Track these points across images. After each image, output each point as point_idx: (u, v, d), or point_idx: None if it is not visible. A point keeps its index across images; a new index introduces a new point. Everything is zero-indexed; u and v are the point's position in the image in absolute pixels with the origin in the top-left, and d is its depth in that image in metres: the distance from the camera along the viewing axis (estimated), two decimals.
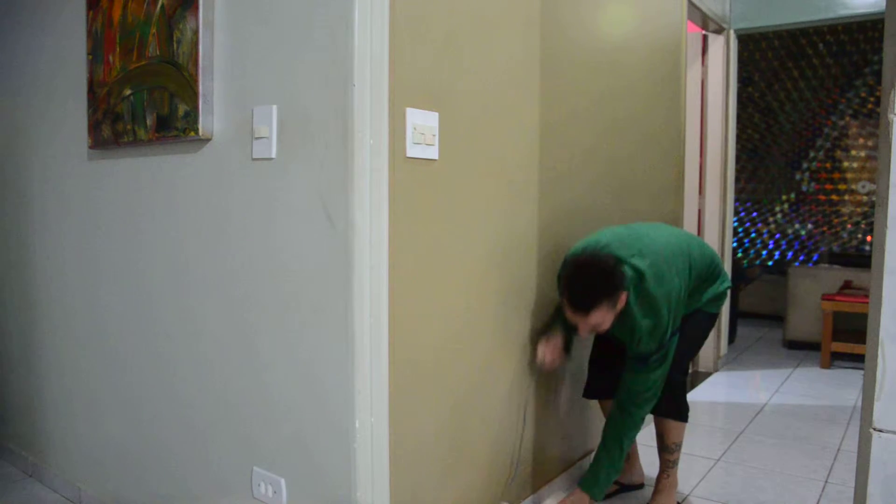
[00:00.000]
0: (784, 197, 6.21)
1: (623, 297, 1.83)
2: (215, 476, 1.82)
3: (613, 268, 1.81)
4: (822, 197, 6.03)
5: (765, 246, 6.32)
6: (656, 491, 2.21)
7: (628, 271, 1.86)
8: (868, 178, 5.83)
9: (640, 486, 2.38)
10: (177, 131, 1.75)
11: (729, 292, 2.18)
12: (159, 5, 1.76)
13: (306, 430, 1.60)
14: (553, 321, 2.11)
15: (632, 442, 2.05)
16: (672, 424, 2.12)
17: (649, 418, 2.12)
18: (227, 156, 1.69)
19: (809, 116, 6.04)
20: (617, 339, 2.01)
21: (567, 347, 2.09)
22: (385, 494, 1.57)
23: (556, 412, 2.31)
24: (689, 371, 2.19)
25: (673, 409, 2.10)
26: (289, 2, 1.55)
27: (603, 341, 2.22)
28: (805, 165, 6.09)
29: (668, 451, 2.16)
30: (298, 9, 1.53)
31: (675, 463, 2.19)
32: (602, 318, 1.81)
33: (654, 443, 2.41)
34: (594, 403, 2.49)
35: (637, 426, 1.99)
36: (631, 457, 2.36)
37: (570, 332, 2.05)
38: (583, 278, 1.81)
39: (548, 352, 2.04)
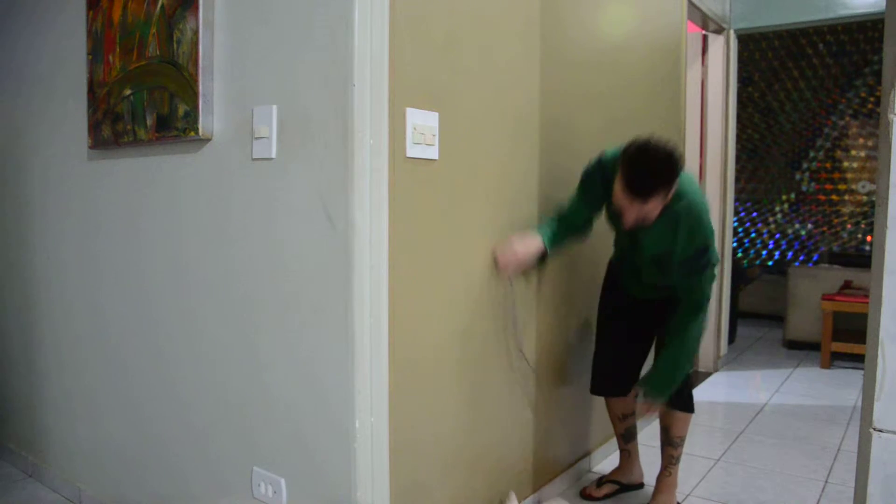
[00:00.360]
0: (784, 197, 6.21)
1: (674, 189, 1.80)
2: (215, 476, 1.82)
3: (677, 156, 1.77)
4: (822, 197, 6.03)
5: (765, 246, 6.32)
6: (658, 490, 2.21)
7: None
8: (868, 178, 5.83)
9: (640, 486, 2.38)
10: (177, 131, 1.75)
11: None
12: (159, 5, 1.76)
13: (306, 430, 1.60)
14: (544, 229, 2.00)
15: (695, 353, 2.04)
16: (679, 416, 2.14)
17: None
18: (227, 156, 1.69)
19: (809, 116, 6.04)
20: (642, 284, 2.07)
21: (541, 259, 1.98)
22: (385, 494, 1.57)
23: (557, 412, 2.31)
24: (692, 369, 2.18)
25: (680, 400, 2.11)
26: (289, 2, 1.55)
27: (611, 334, 2.23)
28: (805, 165, 6.09)
29: (672, 445, 2.17)
30: (298, 9, 1.53)
31: (678, 459, 2.20)
32: (655, 207, 1.78)
33: (652, 442, 2.41)
34: (597, 403, 2.48)
35: (699, 342, 1.98)
36: (631, 456, 2.36)
37: (553, 246, 1.99)
38: (649, 162, 1.74)
39: (518, 248, 1.90)
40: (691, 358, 2.01)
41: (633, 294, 2.16)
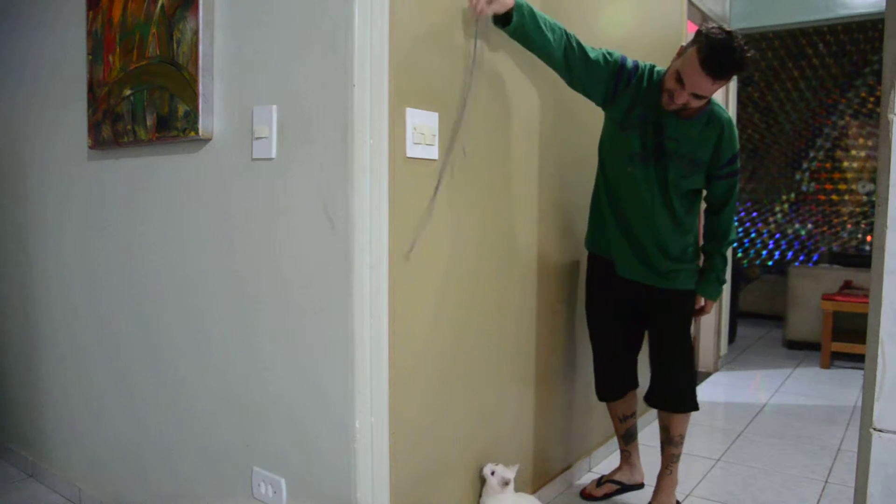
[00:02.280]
0: (784, 197, 6.21)
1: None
2: (216, 475, 1.82)
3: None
4: (822, 197, 6.03)
5: (765, 246, 6.32)
6: (658, 489, 2.21)
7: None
8: (868, 178, 5.83)
9: (641, 486, 2.38)
10: (177, 131, 1.75)
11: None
12: (159, 5, 1.76)
13: (307, 430, 1.60)
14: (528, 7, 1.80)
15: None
16: (679, 414, 2.14)
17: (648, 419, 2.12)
18: (227, 156, 1.69)
19: (809, 116, 6.04)
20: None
21: (503, 21, 1.77)
22: (385, 494, 1.57)
23: (557, 412, 2.31)
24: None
25: (681, 401, 2.12)
26: (289, 2, 1.55)
27: (605, 340, 2.22)
28: (805, 165, 6.09)
29: (673, 444, 2.16)
30: (298, 9, 1.53)
31: (679, 458, 2.20)
32: (712, 93, 1.83)
33: (652, 442, 2.41)
34: (596, 402, 2.48)
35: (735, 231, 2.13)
36: (631, 456, 2.36)
37: (524, 19, 1.76)
38: (733, 43, 1.76)
39: None
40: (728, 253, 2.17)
41: (625, 275, 2.09)
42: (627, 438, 2.35)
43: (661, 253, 2.03)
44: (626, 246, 2.06)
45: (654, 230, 2.01)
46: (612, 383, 2.25)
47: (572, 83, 1.96)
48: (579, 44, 1.89)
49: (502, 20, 1.76)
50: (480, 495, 1.90)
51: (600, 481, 2.35)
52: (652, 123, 1.94)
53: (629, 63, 1.96)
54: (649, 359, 2.20)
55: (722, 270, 2.12)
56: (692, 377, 2.18)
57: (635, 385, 2.28)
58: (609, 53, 1.95)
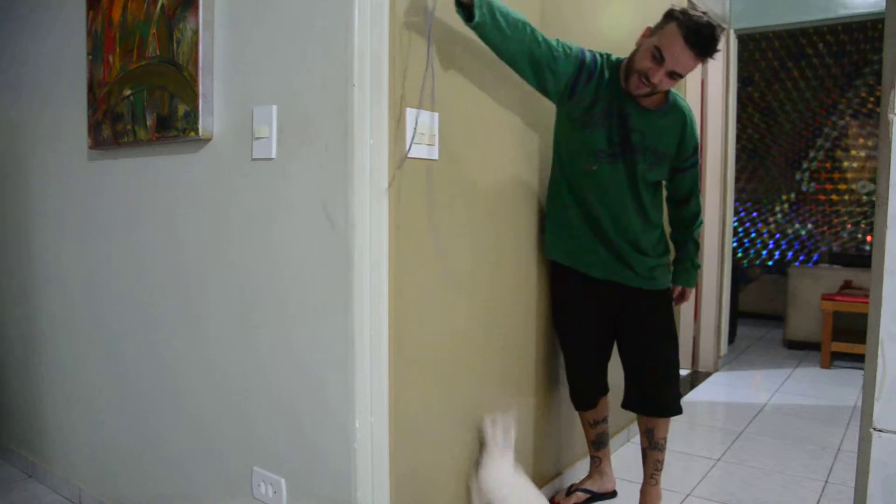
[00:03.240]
0: (784, 197, 6.21)
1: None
2: (216, 476, 1.82)
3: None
4: (822, 197, 6.03)
5: (765, 246, 6.32)
6: (644, 503, 2.13)
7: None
8: (868, 178, 5.83)
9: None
10: (177, 131, 1.75)
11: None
12: (159, 5, 1.76)
13: (307, 430, 1.60)
14: None
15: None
16: (664, 418, 2.07)
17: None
18: (227, 156, 1.69)
19: (809, 116, 6.04)
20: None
21: (464, 8, 1.63)
22: (385, 495, 1.57)
23: (557, 411, 2.31)
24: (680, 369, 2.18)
25: (668, 405, 2.05)
26: (289, 2, 1.55)
27: (575, 349, 2.14)
28: (805, 165, 6.09)
29: (657, 448, 2.08)
30: (298, 9, 1.53)
31: (663, 465, 2.12)
32: (686, 71, 1.80)
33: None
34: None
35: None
36: (602, 463, 2.28)
37: (484, 9, 1.62)
38: (711, 23, 1.74)
39: None
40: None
41: (602, 276, 2.00)
42: (598, 444, 2.26)
43: (635, 250, 1.97)
44: (599, 247, 1.98)
45: (626, 227, 1.95)
46: (588, 392, 2.17)
47: (536, 81, 1.82)
48: (545, 39, 1.78)
49: (465, 12, 1.62)
50: (477, 464, 1.82)
51: (570, 490, 2.27)
52: (617, 117, 1.88)
53: (588, 56, 1.87)
54: (627, 363, 2.10)
55: (695, 255, 2.14)
56: (678, 378, 2.10)
57: (606, 391, 2.20)
58: (568, 47, 1.84)
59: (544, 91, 1.87)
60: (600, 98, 1.87)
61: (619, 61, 1.91)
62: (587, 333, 2.11)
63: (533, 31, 1.74)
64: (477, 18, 1.60)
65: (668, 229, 2.15)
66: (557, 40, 1.82)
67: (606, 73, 1.88)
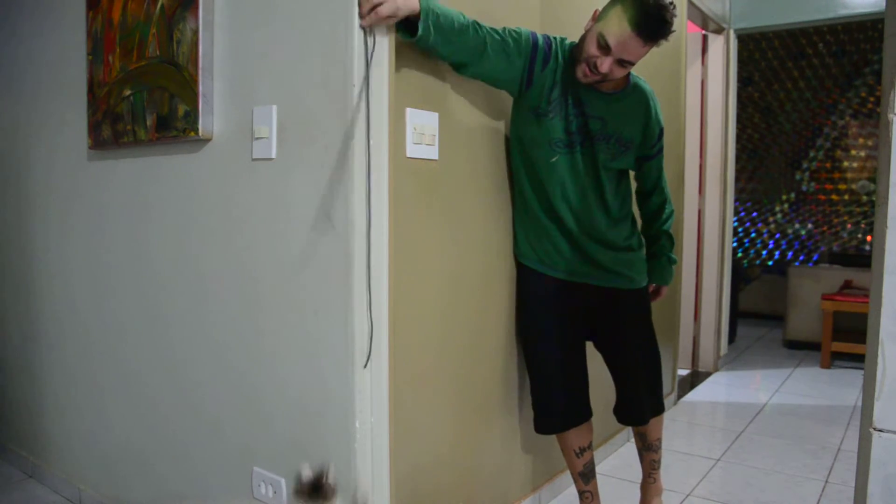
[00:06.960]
0: (784, 197, 6.21)
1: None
2: (216, 476, 1.82)
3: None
4: (822, 197, 6.03)
5: (765, 246, 6.32)
6: (644, 500, 2.10)
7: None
8: (868, 178, 5.83)
9: None
10: (177, 131, 1.75)
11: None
12: (159, 5, 1.76)
13: (307, 431, 1.60)
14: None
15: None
16: (655, 419, 2.03)
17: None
18: (227, 156, 1.69)
19: (809, 116, 6.04)
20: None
21: (405, 29, 1.53)
22: (385, 495, 1.57)
23: None
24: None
25: (655, 407, 2.01)
26: (289, 2, 1.55)
27: (553, 360, 1.92)
28: (805, 165, 6.09)
29: (652, 449, 2.05)
30: (298, 9, 1.53)
31: (660, 463, 2.09)
32: (637, 58, 1.65)
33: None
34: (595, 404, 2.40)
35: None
36: (593, 500, 2.02)
37: (430, 19, 1.50)
38: (667, 5, 1.59)
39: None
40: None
41: (576, 279, 1.87)
42: (587, 476, 1.99)
43: (604, 246, 1.86)
44: (568, 247, 1.85)
45: (592, 223, 1.83)
46: (560, 414, 1.92)
47: (494, 82, 1.74)
48: (491, 36, 1.63)
49: (405, 27, 1.51)
50: None
51: None
52: (573, 103, 1.75)
53: (541, 40, 1.72)
54: (611, 371, 2.00)
55: (671, 250, 2.06)
56: (661, 379, 2.05)
57: (591, 412, 1.97)
58: (517, 34, 1.69)
59: (498, 87, 1.77)
60: (556, 83, 1.75)
61: (573, 45, 1.76)
62: (566, 343, 1.91)
63: (477, 32, 1.61)
64: (421, 31, 1.49)
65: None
66: (504, 28, 1.68)
67: (560, 58, 1.75)
